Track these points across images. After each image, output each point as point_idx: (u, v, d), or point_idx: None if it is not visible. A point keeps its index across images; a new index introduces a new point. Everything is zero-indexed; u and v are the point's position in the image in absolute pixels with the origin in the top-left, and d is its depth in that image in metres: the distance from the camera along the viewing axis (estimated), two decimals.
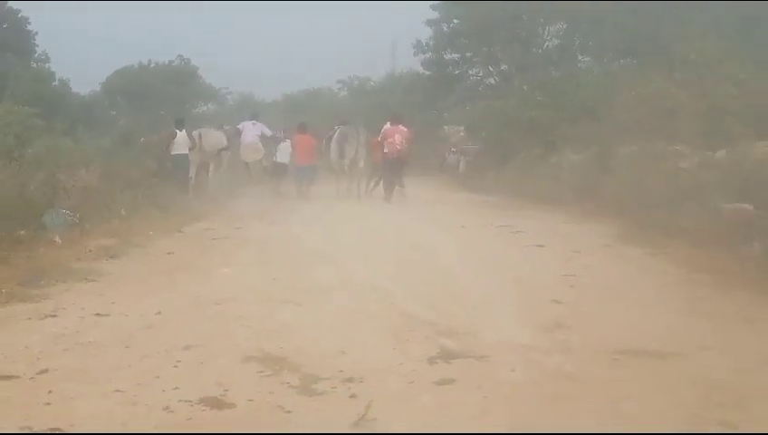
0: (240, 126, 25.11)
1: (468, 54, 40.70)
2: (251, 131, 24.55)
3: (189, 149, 22.64)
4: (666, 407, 5.39)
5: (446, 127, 43.39)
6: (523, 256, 12.17)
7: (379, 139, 23.43)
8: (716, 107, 17.43)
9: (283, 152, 24.01)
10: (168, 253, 12.46)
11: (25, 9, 42.31)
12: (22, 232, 12.52)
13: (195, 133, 23.40)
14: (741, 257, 10.50)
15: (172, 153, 22.56)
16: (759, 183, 12.01)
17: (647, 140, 17.66)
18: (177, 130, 22.92)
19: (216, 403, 5.47)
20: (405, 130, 23.30)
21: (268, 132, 24.96)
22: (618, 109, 20.93)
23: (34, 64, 41.56)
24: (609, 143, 19.58)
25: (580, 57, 38.50)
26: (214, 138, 23.93)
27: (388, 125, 23.59)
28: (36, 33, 42.70)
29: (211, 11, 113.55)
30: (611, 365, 6.40)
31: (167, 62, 49.15)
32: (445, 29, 40.35)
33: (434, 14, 40.22)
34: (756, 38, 23.59)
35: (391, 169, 22.94)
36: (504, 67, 39.81)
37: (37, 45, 42.96)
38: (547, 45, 39.48)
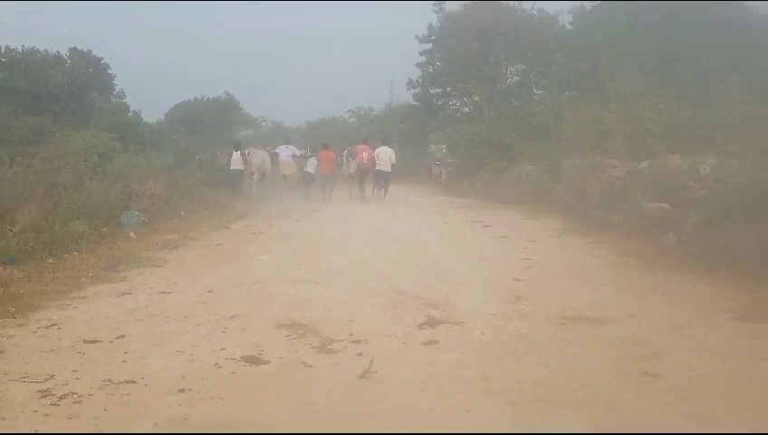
0: (277, 149, 25.51)
1: (448, 89, 40.69)
2: (285, 152, 25.03)
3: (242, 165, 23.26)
4: (600, 360, 5.42)
5: (431, 145, 43.43)
6: (491, 245, 12.17)
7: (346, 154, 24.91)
8: (641, 129, 17.45)
9: (311, 165, 24.36)
10: (218, 244, 12.46)
11: (107, 55, 42.53)
12: (104, 229, 12.55)
13: (245, 151, 23.96)
14: (659, 245, 10.51)
15: (230, 168, 23.26)
16: (673, 187, 12.02)
17: (586, 155, 17.66)
18: (234, 151, 23.57)
19: (255, 360, 5.50)
20: (370, 149, 23.77)
21: (297, 152, 25.39)
22: (564, 131, 20.91)
23: (113, 100, 41.61)
24: (557, 157, 19.57)
25: (535, 91, 38.46)
26: (259, 156, 24.40)
27: (360, 145, 24.24)
28: (115, 76, 42.80)
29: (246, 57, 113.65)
30: (558, 328, 6.42)
31: (215, 97, 49.21)
32: (430, 70, 40.36)
33: (422, 58, 40.30)
34: (672, 75, 23.62)
35: (361, 176, 23.72)
36: (476, 99, 39.77)
37: (115, 84, 43.04)
38: (509, 82, 39.47)
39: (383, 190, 23.41)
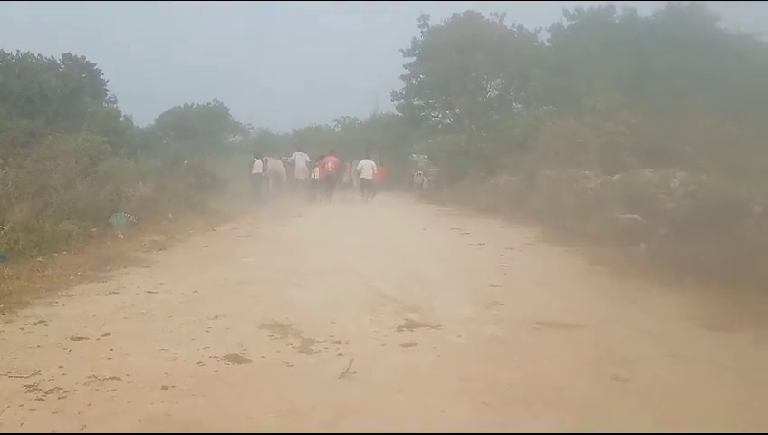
0: (293, 157, 28.71)
1: (431, 101, 40.97)
2: (300, 160, 28.24)
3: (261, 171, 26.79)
4: (572, 364, 5.43)
5: (414, 155, 43.61)
6: (469, 251, 12.19)
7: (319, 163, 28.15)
8: (614, 143, 17.56)
9: (316, 172, 27.72)
10: (204, 246, 12.41)
11: (100, 61, 42.47)
12: (94, 229, 12.46)
13: (263, 159, 27.31)
14: (630, 254, 10.56)
15: (251, 172, 26.55)
16: (644, 199, 12.09)
17: (562, 167, 17.75)
18: (255, 159, 26.86)
19: (237, 359, 5.46)
20: (336, 159, 27.68)
21: (308, 159, 28.54)
22: (541, 143, 21.03)
23: (106, 104, 41.52)
24: (534, 168, 19.66)
25: (514, 104, 38.71)
26: (273, 164, 27.79)
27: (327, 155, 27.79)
28: (107, 81, 42.72)
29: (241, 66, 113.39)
30: (533, 333, 6.42)
31: (205, 104, 49.08)
32: (414, 82, 40.56)
33: (406, 71, 40.45)
34: (644, 91, 23.80)
35: (327, 182, 26.95)
36: (457, 111, 39.97)
37: (107, 90, 42.95)
38: (489, 95, 39.74)
39: (370, 195, 26.63)
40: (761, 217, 8.73)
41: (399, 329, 6.49)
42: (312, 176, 27.91)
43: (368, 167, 26.75)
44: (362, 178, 26.87)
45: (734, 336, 6.32)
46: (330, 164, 27.08)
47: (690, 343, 6.14)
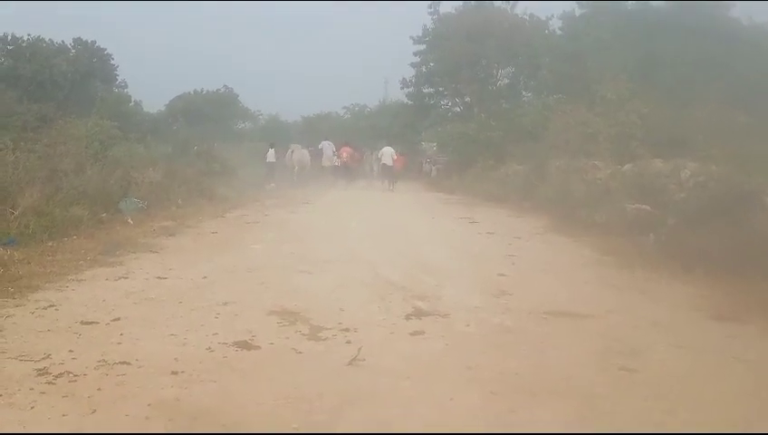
0: (321, 146, 30.59)
1: (440, 89, 40.86)
2: (328, 149, 29.96)
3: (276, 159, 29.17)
4: (580, 354, 5.43)
5: (423, 143, 43.56)
6: (477, 240, 12.19)
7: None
8: (624, 133, 17.49)
9: (328, 158, 29.80)
10: (213, 232, 12.44)
11: (111, 45, 42.56)
12: (103, 215, 12.51)
13: (289, 150, 30.41)
14: (639, 245, 10.54)
15: (267, 161, 28.83)
16: (654, 190, 12.06)
17: (572, 156, 17.70)
18: (270, 148, 29.27)
19: (246, 345, 5.49)
20: (351, 149, 29.84)
21: (334, 148, 30.21)
22: (551, 132, 20.97)
23: (116, 90, 41.53)
24: (543, 158, 19.62)
25: (524, 93, 38.58)
26: (299, 153, 30.09)
27: (343, 146, 29.94)
28: (118, 66, 42.71)
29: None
30: (540, 322, 6.43)
31: (215, 90, 49.05)
32: (423, 70, 40.46)
33: (415, 59, 40.34)
34: (655, 81, 23.65)
35: (344, 171, 28.85)
36: (467, 99, 39.87)
37: (118, 75, 42.95)
38: (499, 84, 39.59)
39: (392, 182, 27.89)
40: None
41: (408, 317, 6.50)
42: (336, 163, 29.85)
43: (388, 154, 28.18)
44: (383, 165, 28.53)
45: (742, 327, 6.33)
46: (344, 154, 29.24)
47: (698, 333, 6.14)
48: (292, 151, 30.12)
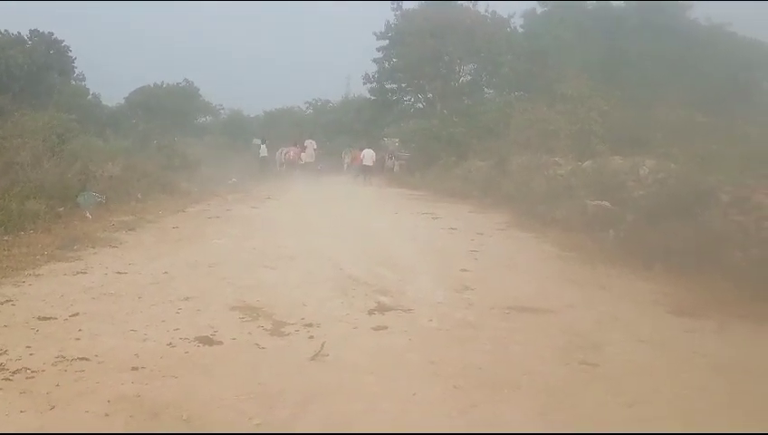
0: (306, 143, 32.76)
1: (403, 85, 40.79)
2: (309, 147, 32.39)
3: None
4: (542, 348, 5.48)
5: (385, 139, 43.49)
6: (440, 236, 12.23)
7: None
8: (585, 130, 17.70)
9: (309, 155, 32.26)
10: (174, 227, 12.30)
11: (68, 36, 41.83)
12: (61, 209, 12.29)
13: (286, 149, 33.09)
14: (599, 240, 10.67)
15: (260, 156, 32.10)
16: (614, 186, 12.21)
17: (533, 153, 17.85)
18: (262, 144, 32.77)
19: (208, 341, 5.44)
20: (297, 148, 32.60)
21: (315, 145, 33.00)
22: (513, 129, 21.12)
23: (73, 82, 40.81)
24: (505, 154, 19.74)
25: (486, 90, 38.76)
26: (310, 150, 32.39)
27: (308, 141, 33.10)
28: (75, 59, 41.94)
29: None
30: (503, 318, 6.48)
31: (175, 84, 48.46)
32: (386, 66, 40.40)
33: (378, 54, 40.31)
34: (616, 79, 23.95)
35: (364, 170, 30.51)
36: (429, 95, 39.91)
37: (76, 67, 42.19)
38: (462, 80, 39.66)
39: (370, 178, 29.36)
40: (728, 206, 8.85)
41: (371, 312, 6.51)
42: (347, 162, 35.12)
43: (368, 156, 30.61)
44: (364, 166, 30.42)
45: (700, 322, 6.44)
46: (291, 153, 32.52)
47: (658, 328, 6.24)
48: (304, 145, 32.70)
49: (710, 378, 4.93)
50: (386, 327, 6.01)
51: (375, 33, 40.10)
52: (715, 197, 9.18)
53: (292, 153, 32.71)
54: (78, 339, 5.38)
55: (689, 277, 7.97)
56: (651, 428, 4.07)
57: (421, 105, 40.81)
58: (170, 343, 5.34)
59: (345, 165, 37.45)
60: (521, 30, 36.09)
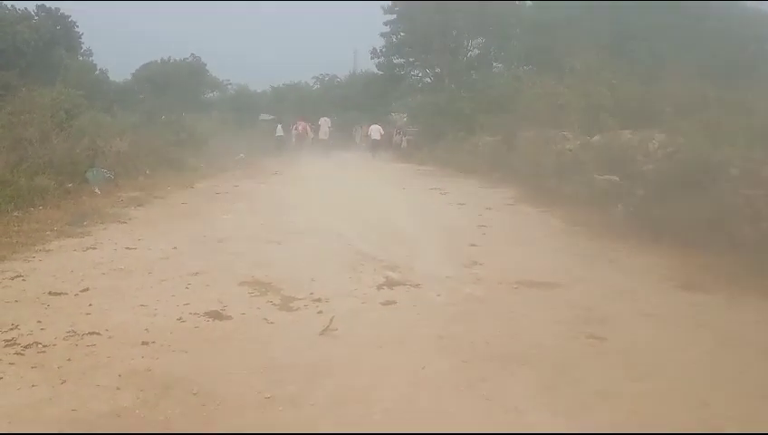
0: (321, 121, 33.43)
1: (411, 59, 40.53)
2: (324, 125, 33.14)
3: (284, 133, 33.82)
4: (549, 322, 5.49)
5: (393, 114, 43.37)
6: (448, 211, 12.24)
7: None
8: (594, 104, 17.51)
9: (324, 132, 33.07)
10: (182, 203, 12.35)
11: (76, 13, 41.65)
12: (70, 185, 12.35)
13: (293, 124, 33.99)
14: (608, 215, 10.63)
15: (275, 135, 33.60)
16: (623, 161, 12.12)
17: (542, 127, 17.73)
18: (278, 124, 34.33)
19: (217, 316, 5.48)
20: (305, 123, 33.36)
21: (330, 124, 33.73)
22: (521, 104, 20.96)
23: (81, 58, 40.68)
24: (513, 129, 19.64)
25: (494, 64, 38.48)
26: (325, 128, 33.06)
27: (322, 118, 33.80)
28: (82, 34, 41.79)
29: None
30: (511, 292, 6.50)
31: (182, 59, 48.24)
32: (394, 40, 40.13)
33: (386, 29, 40.06)
34: (625, 53, 23.76)
35: (300, 141, 32.39)
36: (437, 70, 39.62)
37: (83, 43, 42.04)
38: (470, 54, 39.38)
39: (378, 153, 30.11)
40: (737, 180, 8.79)
41: (379, 287, 6.53)
42: (359, 138, 36.02)
43: (375, 130, 31.64)
44: (373, 140, 31.38)
45: (708, 296, 6.43)
46: (300, 127, 33.27)
47: (666, 302, 6.24)
48: (297, 126, 33.55)
49: (717, 352, 4.93)
50: (394, 302, 6.03)
51: (382, 8, 39.83)
52: (724, 171, 9.11)
53: (300, 127, 33.27)
54: (88, 314, 5.43)
55: (697, 251, 7.94)
56: (657, 402, 4.08)
57: (429, 80, 40.56)
58: (180, 318, 5.38)
59: (358, 140, 37.94)
60: (529, 3, 35.79)
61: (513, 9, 35.79)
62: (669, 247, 8.37)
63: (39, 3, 39.91)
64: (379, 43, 40.73)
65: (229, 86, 51.26)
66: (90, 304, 5.66)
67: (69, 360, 4.43)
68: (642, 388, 4.25)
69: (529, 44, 30.28)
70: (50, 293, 5.97)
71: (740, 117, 11.85)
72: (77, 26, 41.28)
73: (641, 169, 11.24)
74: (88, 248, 7.97)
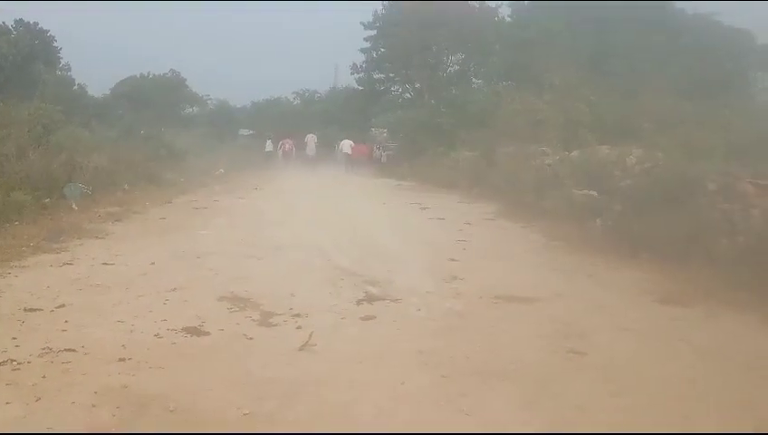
0: (306, 138, 35.03)
1: (391, 75, 40.65)
2: (312, 140, 34.74)
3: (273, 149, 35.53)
4: (530, 337, 5.50)
5: (373, 129, 43.40)
6: (428, 226, 12.24)
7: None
8: (573, 120, 17.68)
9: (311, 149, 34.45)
10: (161, 218, 12.27)
11: (53, 27, 41.45)
12: (47, 200, 12.22)
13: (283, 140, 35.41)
14: (587, 230, 10.68)
15: (265, 150, 35.32)
16: (601, 176, 12.20)
17: (521, 143, 17.83)
18: (268, 140, 36.08)
19: (195, 331, 5.43)
20: (291, 140, 35.11)
21: (316, 139, 35.16)
22: (500, 119, 21.07)
23: (59, 72, 40.43)
24: (493, 144, 19.73)
25: (474, 80, 38.66)
26: (311, 144, 34.65)
27: (308, 135, 35.47)
28: (61, 48, 41.56)
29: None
30: (491, 307, 6.50)
31: (161, 74, 48.07)
32: (374, 55, 40.26)
33: (366, 44, 40.18)
34: (603, 70, 23.98)
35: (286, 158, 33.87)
36: (417, 85, 39.75)
37: (61, 57, 41.78)
38: (450, 70, 39.55)
39: (352, 167, 30.97)
40: (714, 194, 8.87)
41: (359, 302, 6.51)
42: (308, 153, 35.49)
43: (347, 145, 32.92)
44: (344, 154, 32.41)
45: (686, 311, 6.47)
46: (287, 145, 35.01)
47: (645, 317, 6.26)
48: (284, 142, 35.09)
49: (696, 366, 4.95)
50: (374, 317, 6.02)
51: (363, 23, 39.98)
52: (701, 185, 9.19)
53: (288, 146, 34.79)
54: (64, 330, 5.36)
55: (676, 266, 7.99)
56: (638, 416, 4.09)
57: (409, 95, 40.68)
58: (158, 334, 5.33)
59: (340, 156, 37.89)
60: (509, 20, 36.05)
61: (493, 25, 36.00)
62: (648, 262, 8.43)
63: (17, 17, 39.70)
64: (360, 58, 40.87)
65: (209, 101, 51.13)
66: (66, 321, 5.59)
67: (44, 377, 4.37)
68: (622, 402, 4.26)
69: (508, 61, 30.41)
70: (25, 309, 5.89)
71: (716, 132, 12.00)
72: (55, 41, 41.09)
73: (619, 185, 11.32)
74: (64, 264, 7.89)
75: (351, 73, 41.68)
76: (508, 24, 34.90)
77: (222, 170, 25.81)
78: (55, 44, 41.15)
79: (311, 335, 5.21)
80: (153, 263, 8.07)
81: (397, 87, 41.78)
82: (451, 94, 35.26)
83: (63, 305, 6.07)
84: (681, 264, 8.00)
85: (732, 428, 3.99)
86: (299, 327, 5.60)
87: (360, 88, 41.89)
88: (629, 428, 3.93)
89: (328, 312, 6.16)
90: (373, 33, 40.00)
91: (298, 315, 5.95)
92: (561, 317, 6.10)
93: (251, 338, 5.33)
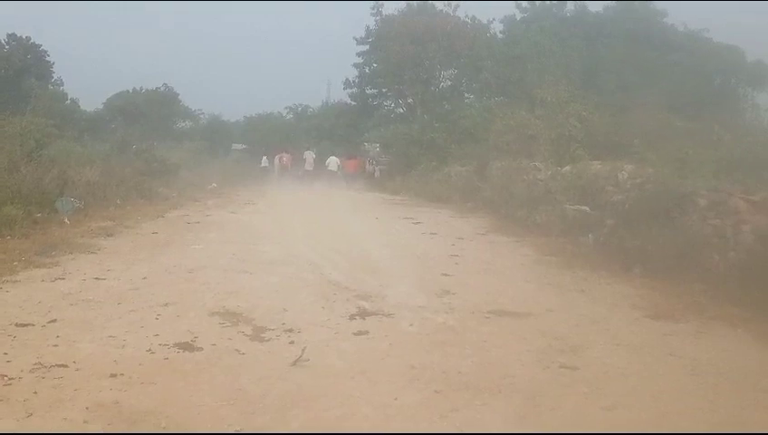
0: (305, 155, 34.17)
1: (384, 90, 40.76)
2: (309, 157, 33.75)
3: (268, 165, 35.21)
4: (522, 352, 5.50)
5: (366, 144, 43.48)
6: (421, 241, 12.24)
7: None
8: (564, 135, 17.76)
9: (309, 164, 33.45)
10: (153, 233, 12.23)
11: (46, 42, 41.51)
12: (38, 214, 12.19)
13: (280, 155, 35.05)
14: (579, 245, 10.73)
15: (261, 166, 35.18)
16: (593, 191, 12.28)
17: (513, 158, 17.91)
18: (264, 156, 35.59)
19: (188, 347, 5.41)
20: (288, 154, 34.84)
21: (314, 155, 34.20)
22: (492, 134, 21.16)
23: (51, 87, 40.48)
24: (485, 159, 19.82)
25: (466, 95, 38.80)
26: (310, 160, 33.58)
27: (306, 151, 34.62)
28: (53, 63, 41.62)
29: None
30: (483, 322, 6.49)
31: (154, 88, 48.05)
32: (367, 71, 40.40)
33: (359, 59, 40.33)
34: (595, 85, 24.15)
35: (281, 172, 33.57)
36: (409, 100, 39.89)
37: (54, 72, 41.87)
38: (442, 85, 39.70)
39: (339, 183, 30.61)
40: (705, 210, 8.92)
41: (352, 317, 6.50)
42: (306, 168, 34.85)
43: (333, 162, 32.91)
44: (329, 171, 32.34)
45: (678, 326, 6.49)
46: (285, 158, 34.80)
47: (636, 332, 6.28)
48: (280, 158, 34.85)
49: (687, 381, 4.96)
50: (367, 332, 6.01)
51: (355, 38, 40.14)
52: (692, 201, 9.25)
53: (285, 159, 34.59)
54: (56, 346, 5.33)
55: (667, 281, 8.03)
56: (630, 431, 4.09)
57: (402, 110, 40.80)
58: (149, 350, 5.30)
59: (326, 173, 38.06)
60: (500, 36, 36.27)
61: (485, 41, 36.18)
62: (640, 277, 8.46)
63: (10, 32, 39.73)
64: (352, 73, 41.02)
65: (202, 116, 51.15)
66: (57, 336, 5.56)
67: (35, 393, 4.35)
68: (614, 417, 4.27)
69: (500, 76, 30.61)
70: (16, 324, 5.85)
71: (707, 148, 12.07)
72: (48, 55, 41.14)
73: (611, 200, 11.40)
74: (56, 279, 7.85)
75: (344, 88, 41.84)
76: (500, 40, 35.15)
77: (215, 185, 25.83)
78: (48, 59, 41.23)
79: (303, 351, 5.20)
80: (145, 278, 8.05)
81: (389, 102, 41.91)
82: (443, 109, 35.41)
83: (55, 320, 6.04)
84: (673, 279, 8.04)
85: None
86: (291, 342, 5.59)
87: (353, 103, 42.02)
88: None
89: (320, 327, 6.15)
90: (366, 48, 40.16)
91: (290, 330, 5.94)
92: (554, 332, 6.10)
93: (243, 353, 5.32)
